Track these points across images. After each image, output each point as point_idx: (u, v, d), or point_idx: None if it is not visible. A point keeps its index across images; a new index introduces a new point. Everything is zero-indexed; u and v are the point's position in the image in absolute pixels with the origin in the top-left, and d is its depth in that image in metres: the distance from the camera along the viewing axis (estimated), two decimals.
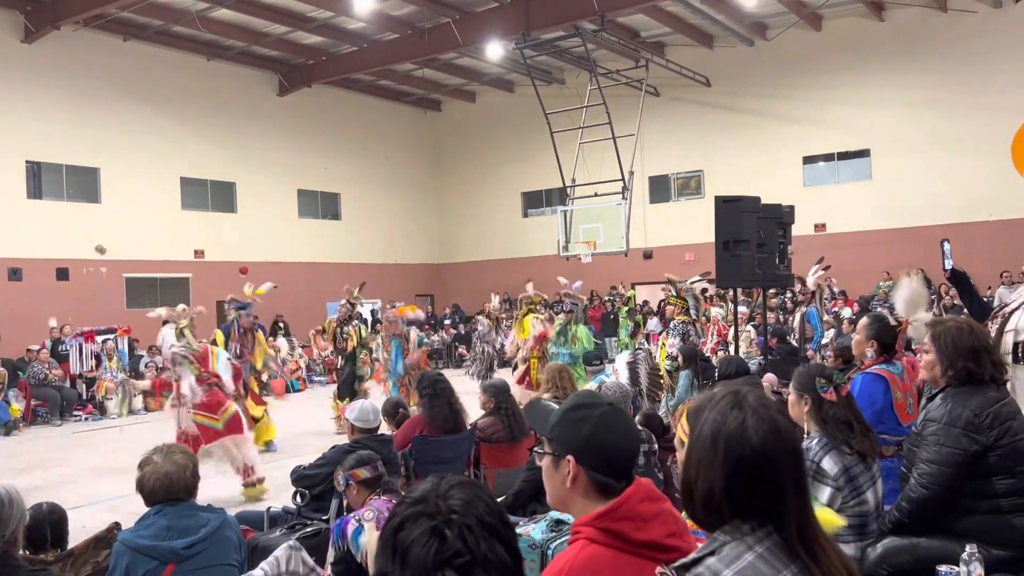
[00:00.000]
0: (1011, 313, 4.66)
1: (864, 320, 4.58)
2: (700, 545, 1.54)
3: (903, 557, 3.14)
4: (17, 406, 13.19)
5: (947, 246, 5.44)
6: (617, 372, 7.98)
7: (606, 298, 22.16)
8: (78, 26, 18.61)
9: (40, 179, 18.88)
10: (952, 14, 19.69)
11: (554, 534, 3.69)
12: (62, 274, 18.43)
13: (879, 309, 14.49)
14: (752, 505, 1.47)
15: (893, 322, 4.65)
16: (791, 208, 8.36)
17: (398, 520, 1.34)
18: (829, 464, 3.22)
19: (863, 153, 21.51)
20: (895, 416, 4.13)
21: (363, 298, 12.15)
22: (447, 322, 24.76)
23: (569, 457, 1.88)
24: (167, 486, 3.03)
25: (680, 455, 1.61)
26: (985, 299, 6.41)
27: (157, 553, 2.93)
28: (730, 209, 7.82)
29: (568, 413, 1.95)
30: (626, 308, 20.47)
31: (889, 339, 4.39)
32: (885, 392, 4.18)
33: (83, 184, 19.56)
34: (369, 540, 3.40)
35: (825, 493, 3.19)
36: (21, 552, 2.98)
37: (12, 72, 17.99)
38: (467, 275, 27.40)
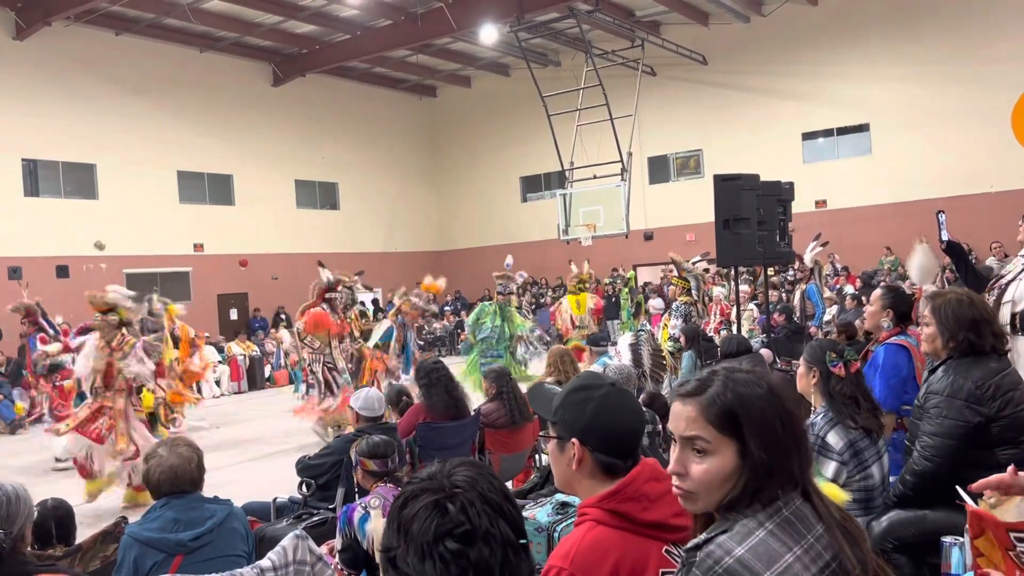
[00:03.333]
0: (1008, 284, 4.64)
1: (878, 291, 4.55)
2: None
3: (908, 530, 3.15)
4: (21, 404, 13.22)
5: (943, 217, 5.43)
6: (620, 354, 7.99)
7: (606, 281, 22.16)
8: (69, 21, 18.53)
9: (37, 177, 18.87)
10: None
11: (560, 516, 3.70)
12: (62, 271, 18.43)
13: (893, 282, 14.45)
14: (794, 471, 1.49)
15: (908, 292, 4.64)
16: (790, 185, 8.32)
17: (403, 498, 1.36)
18: (834, 439, 3.22)
19: (862, 128, 21.43)
20: (918, 386, 4.13)
21: (360, 283, 12.04)
22: (447, 309, 24.77)
23: (574, 440, 1.88)
24: (172, 479, 3.05)
25: (718, 465, 1.50)
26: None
27: (164, 545, 2.94)
28: (729, 187, 7.79)
29: (570, 395, 1.95)
30: (626, 289, 20.48)
31: (905, 308, 4.37)
32: (909, 361, 4.17)
33: (80, 180, 19.55)
34: (375, 527, 3.41)
35: (830, 468, 3.19)
36: (29, 548, 2.99)
37: (4, 70, 17.93)
38: (467, 261, 27.39)
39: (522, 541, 1.37)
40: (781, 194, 8.13)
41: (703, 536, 1.49)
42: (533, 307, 23.43)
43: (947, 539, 2.55)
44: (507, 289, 11.69)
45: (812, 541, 1.44)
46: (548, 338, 15.00)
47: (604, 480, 1.87)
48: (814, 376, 3.41)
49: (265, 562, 2.95)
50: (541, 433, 2.06)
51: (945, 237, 5.35)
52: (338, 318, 9.79)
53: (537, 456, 6.34)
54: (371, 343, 10.37)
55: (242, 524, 3.20)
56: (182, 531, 2.98)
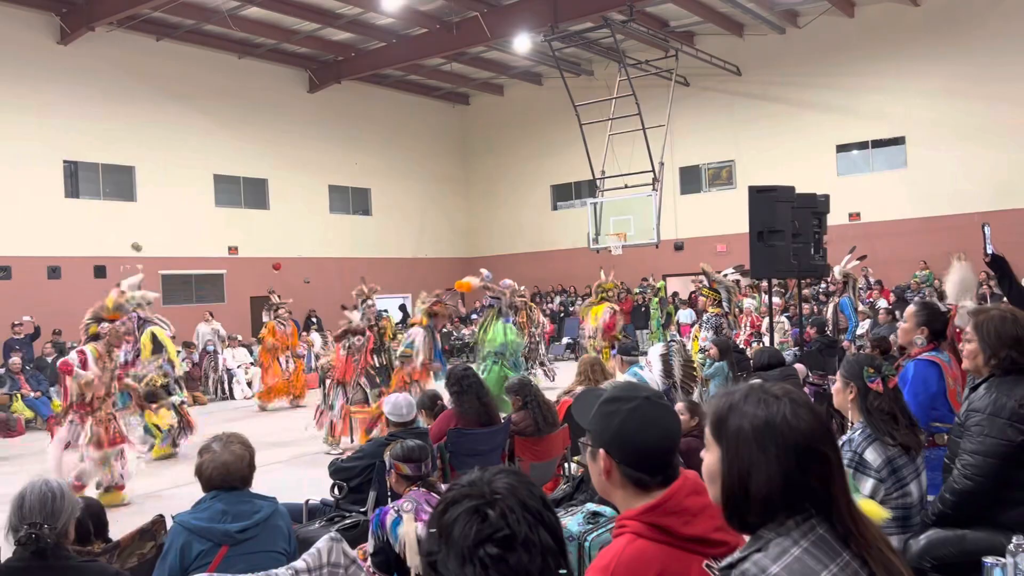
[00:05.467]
0: None
1: (912, 307, 4.48)
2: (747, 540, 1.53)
3: (947, 549, 3.10)
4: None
5: (988, 230, 5.35)
6: (650, 364, 7.95)
7: (636, 290, 22.08)
8: (112, 27, 18.89)
9: (77, 178, 19.24)
10: None
11: (591, 526, 3.69)
12: (99, 272, 18.74)
13: (924, 297, 14.15)
14: (809, 494, 1.46)
15: (943, 308, 4.57)
16: (826, 197, 8.25)
17: (444, 504, 1.39)
18: (872, 455, 3.18)
19: (898, 141, 21.19)
20: (948, 403, 4.07)
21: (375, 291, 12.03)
22: (475, 316, 24.78)
23: (601, 450, 1.89)
24: (224, 475, 3.11)
25: (710, 460, 1.56)
26: None
27: (212, 535, 3.01)
28: (764, 199, 7.74)
29: (602, 406, 1.95)
30: (656, 299, 20.40)
31: (939, 326, 4.31)
32: (939, 378, 4.10)
33: (119, 183, 19.89)
34: (407, 531, 3.43)
35: (868, 484, 3.14)
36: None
37: (49, 73, 18.32)
38: (497, 269, 27.31)
39: (562, 548, 1.38)
40: (816, 206, 8.06)
41: (737, 554, 1.49)
42: (561, 315, 23.40)
43: (988, 560, 2.51)
44: (499, 304, 11.66)
45: (848, 559, 1.43)
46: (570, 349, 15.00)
47: (636, 492, 1.86)
48: (851, 392, 3.35)
49: (300, 563, 2.99)
50: (581, 440, 2.06)
51: (990, 250, 5.27)
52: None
53: (566, 464, 6.34)
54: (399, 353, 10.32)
55: (285, 523, 3.26)
56: (230, 523, 3.04)
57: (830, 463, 1.49)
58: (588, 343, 12.39)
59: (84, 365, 7.52)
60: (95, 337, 7.80)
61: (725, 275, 11.07)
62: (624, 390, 2.04)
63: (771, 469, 1.46)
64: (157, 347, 9.79)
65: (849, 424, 3.41)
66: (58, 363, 7.66)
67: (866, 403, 3.28)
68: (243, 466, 3.15)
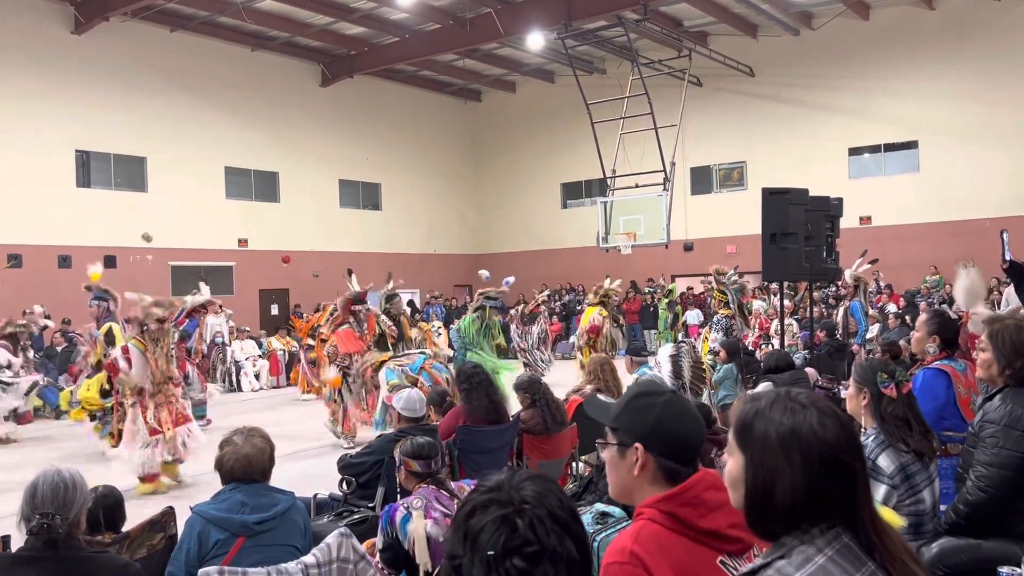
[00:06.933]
0: None
1: (923, 316, 4.47)
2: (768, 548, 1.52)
3: (961, 557, 3.07)
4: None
5: (1006, 236, 5.34)
6: (659, 365, 7.96)
7: (645, 290, 22.04)
8: (126, 17, 18.94)
9: (89, 168, 19.31)
10: (1005, 2, 19.20)
11: (600, 526, 3.69)
12: (110, 261, 18.77)
13: (934, 303, 14.07)
14: (833, 504, 1.45)
15: (953, 316, 4.55)
16: (839, 200, 8.23)
17: (470, 507, 1.37)
18: (885, 462, 3.15)
19: (911, 145, 21.10)
20: (959, 412, 4.03)
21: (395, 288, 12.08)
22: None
23: (637, 444, 1.89)
24: (245, 467, 3.13)
25: (733, 466, 1.55)
26: None
27: (230, 525, 3.02)
28: (777, 201, 7.72)
29: (633, 401, 1.96)
30: (666, 300, 20.39)
31: (951, 334, 4.29)
32: (947, 387, 4.07)
33: (130, 173, 19.96)
34: (416, 528, 3.43)
35: (880, 491, 3.12)
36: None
37: (62, 63, 18.39)
38: (506, 266, 27.38)
39: (586, 558, 1.37)
40: (830, 209, 8.05)
41: (760, 561, 1.48)
42: (565, 315, 23.37)
43: (1004, 569, 2.50)
44: (500, 304, 11.65)
45: (873, 569, 1.42)
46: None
47: (665, 487, 1.87)
48: (864, 397, 3.32)
49: (309, 558, 2.99)
50: (599, 440, 2.05)
51: (1008, 257, 5.25)
52: (361, 333, 10.07)
53: (574, 464, 6.33)
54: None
55: (302, 518, 3.27)
56: (249, 514, 3.06)
57: (856, 474, 1.47)
58: (576, 342, 12.52)
59: (128, 363, 7.56)
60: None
61: (730, 277, 11.05)
62: (651, 386, 2.08)
63: (795, 478, 1.45)
64: (110, 340, 9.69)
65: (862, 430, 3.39)
66: (106, 364, 7.71)
67: (880, 409, 3.25)
68: (264, 459, 3.17)
